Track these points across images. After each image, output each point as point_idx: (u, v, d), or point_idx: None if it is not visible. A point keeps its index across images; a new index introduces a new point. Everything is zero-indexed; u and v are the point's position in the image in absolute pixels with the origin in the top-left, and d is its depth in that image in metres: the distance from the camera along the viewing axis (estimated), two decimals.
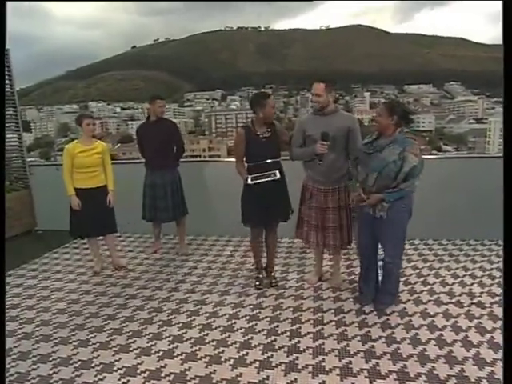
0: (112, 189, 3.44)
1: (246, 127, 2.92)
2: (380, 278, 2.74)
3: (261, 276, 3.16)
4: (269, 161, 2.81)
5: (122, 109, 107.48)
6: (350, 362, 2.11)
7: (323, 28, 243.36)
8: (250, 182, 2.76)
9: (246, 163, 2.90)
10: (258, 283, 3.11)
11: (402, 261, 2.71)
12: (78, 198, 3.28)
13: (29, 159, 5.29)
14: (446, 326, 2.44)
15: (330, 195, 2.82)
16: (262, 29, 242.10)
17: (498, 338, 2.29)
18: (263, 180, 2.75)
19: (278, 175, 2.76)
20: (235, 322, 2.58)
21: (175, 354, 2.25)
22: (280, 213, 2.96)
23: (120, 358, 2.23)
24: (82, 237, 3.58)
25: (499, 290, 2.89)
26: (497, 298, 2.77)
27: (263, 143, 2.83)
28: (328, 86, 2.71)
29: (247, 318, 2.64)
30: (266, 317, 2.63)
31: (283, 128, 3.03)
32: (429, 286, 3.02)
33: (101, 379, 2.06)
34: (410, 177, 2.35)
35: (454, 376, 1.98)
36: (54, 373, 2.13)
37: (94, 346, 2.37)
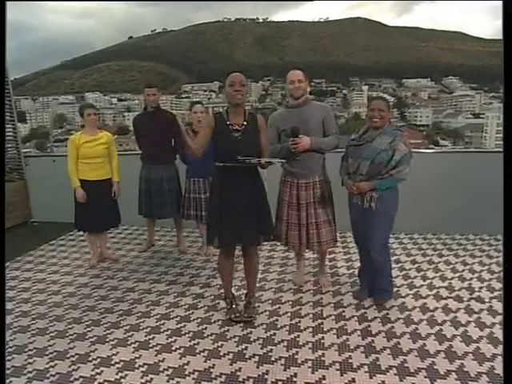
0: (117, 180, 3.39)
1: (217, 113, 2.31)
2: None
3: (234, 306, 2.55)
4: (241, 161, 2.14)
5: (119, 100, 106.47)
6: (350, 357, 2.10)
7: (322, 20, 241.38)
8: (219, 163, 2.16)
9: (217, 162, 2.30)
10: (232, 316, 2.49)
11: (389, 255, 2.66)
12: (83, 190, 3.23)
13: (24, 150, 5.22)
14: (445, 321, 2.43)
15: (312, 189, 2.68)
16: (261, 20, 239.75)
17: (498, 332, 2.29)
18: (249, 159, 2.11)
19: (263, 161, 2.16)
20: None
21: (173, 348, 2.23)
22: (257, 232, 2.33)
23: (118, 352, 2.21)
24: (88, 231, 3.53)
25: (498, 285, 2.89)
26: (496, 293, 2.77)
27: (234, 138, 2.20)
28: (305, 74, 2.62)
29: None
30: (265, 311, 2.61)
31: (266, 126, 2.39)
32: (428, 281, 3.01)
33: (98, 373, 2.04)
34: (400, 165, 2.38)
35: (453, 371, 1.97)
36: (51, 367, 2.10)
37: (91, 339, 2.35)
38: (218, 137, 2.23)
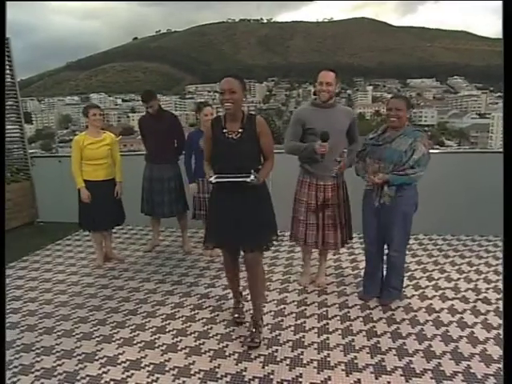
0: (120, 181, 3.42)
1: (217, 118, 2.19)
2: (385, 273, 2.72)
3: (240, 306, 2.54)
4: (234, 170, 2.03)
5: (123, 101, 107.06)
6: (356, 358, 2.10)
7: (326, 20, 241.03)
8: (212, 180, 2.04)
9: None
10: (236, 315, 2.49)
11: (405, 255, 2.68)
12: (87, 191, 3.26)
13: (30, 151, 5.26)
14: (451, 322, 2.42)
15: (330, 191, 2.69)
16: (265, 21, 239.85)
17: None
18: (228, 180, 2.02)
19: (252, 178, 1.98)
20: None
21: (179, 348, 2.23)
22: (253, 238, 2.15)
23: (124, 352, 2.22)
24: (92, 230, 3.54)
25: None
26: (503, 295, 2.75)
27: (229, 146, 2.07)
28: (336, 76, 2.62)
29: (251, 312, 2.60)
30: (270, 311, 2.61)
31: (267, 129, 2.17)
32: (434, 282, 3.00)
33: (105, 372, 2.05)
34: (417, 165, 2.37)
35: (460, 372, 1.96)
36: (58, 365, 2.12)
37: (97, 339, 2.36)
38: (214, 144, 2.12)
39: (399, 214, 2.46)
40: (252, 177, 1.98)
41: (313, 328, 2.40)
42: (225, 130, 2.10)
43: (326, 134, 2.46)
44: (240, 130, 2.09)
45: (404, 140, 2.37)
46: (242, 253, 2.27)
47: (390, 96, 2.95)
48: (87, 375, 2.03)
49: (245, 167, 2.02)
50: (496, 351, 2.12)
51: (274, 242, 2.29)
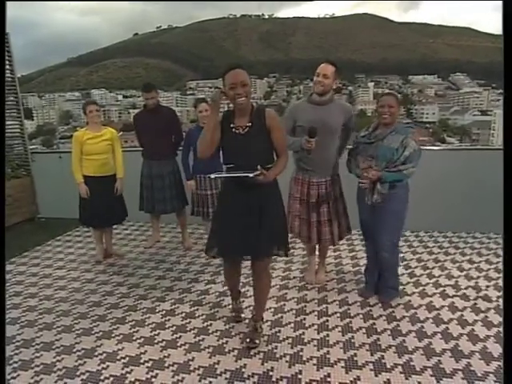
0: (121, 177, 3.40)
1: (227, 112, 2.05)
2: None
3: (239, 305, 2.53)
4: (243, 165, 1.90)
5: (124, 97, 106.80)
6: (355, 355, 2.09)
7: (327, 16, 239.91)
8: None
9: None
10: (234, 314, 2.50)
11: (399, 253, 2.66)
12: (87, 186, 3.25)
13: (31, 147, 5.26)
14: (451, 320, 2.42)
15: (324, 188, 2.67)
16: (266, 17, 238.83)
17: None
18: (228, 175, 1.97)
19: (256, 173, 1.84)
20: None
21: (178, 344, 2.23)
22: (263, 246, 2.03)
23: (123, 348, 2.22)
24: (92, 226, 3.55)
25: None
26: (503, 292, 2.74)
27: (237, 141, 1.98)
28: (336, 71, 2.57)
29: (251, 308, 2.60)
30: (270, 308, 2.60)
31: (278, 122, 2.03)
32: (434, 279, 2.99)
33: (104, 368, 2.05)
34: (408, 161, 2.37)
35: (460, 370, 1.96)
36: (58, 361, 2.12)
37: (96, 334, 2.36)
38: (223, 140, 2.01)
39: (389, 212, 2.44)
40: (257, 172, 1.83)
41: (312, 325, 2.39)
42: (232, 125, 1.99)
43: (313, 130, 2.41)
44: (248, 124, 1.97)
45: (396, 137, 2.38)
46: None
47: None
48: (87, 371, 2.03)
49: (253, 164, 1.86)
50: (496, 349, 2.12)
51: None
